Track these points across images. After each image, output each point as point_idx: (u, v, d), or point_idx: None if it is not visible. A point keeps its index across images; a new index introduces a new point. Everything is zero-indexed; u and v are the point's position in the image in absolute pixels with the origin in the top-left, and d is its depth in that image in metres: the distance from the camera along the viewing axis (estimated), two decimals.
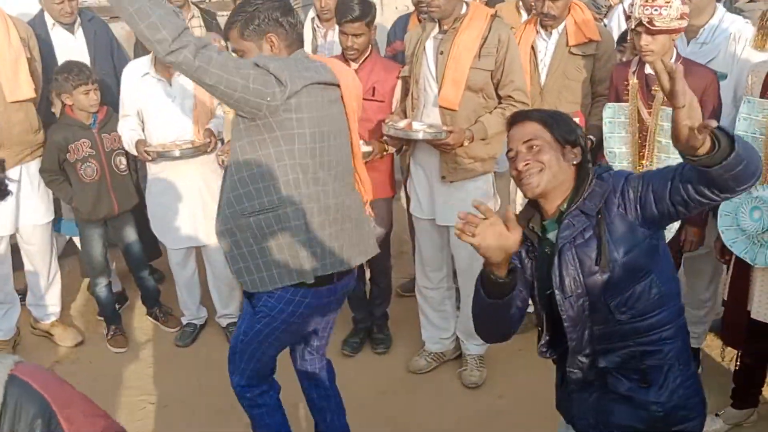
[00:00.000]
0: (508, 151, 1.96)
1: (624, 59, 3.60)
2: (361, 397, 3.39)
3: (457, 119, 3.17)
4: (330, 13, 4.04)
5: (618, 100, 3.10)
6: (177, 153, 3.52)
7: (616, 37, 3.92)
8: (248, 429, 2.83)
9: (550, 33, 3.53)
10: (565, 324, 1.89)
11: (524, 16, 4.11)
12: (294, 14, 2.42)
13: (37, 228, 3.83)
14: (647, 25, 2.81)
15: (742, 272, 2.89)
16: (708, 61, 3.15)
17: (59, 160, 3.71)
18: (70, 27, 4.03)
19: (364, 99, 3.36)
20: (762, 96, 2.73)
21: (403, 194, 4.10)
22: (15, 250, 3.93)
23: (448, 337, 3.67)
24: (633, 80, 3.00)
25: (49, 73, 3.80)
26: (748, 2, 4.14)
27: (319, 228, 2.37)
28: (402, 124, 3.21)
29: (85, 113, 3.71)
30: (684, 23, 2.86)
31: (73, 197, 3.76)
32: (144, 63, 3.65)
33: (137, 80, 3.62)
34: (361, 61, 3.46)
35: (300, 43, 2.45)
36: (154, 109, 3.61)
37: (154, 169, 3.73)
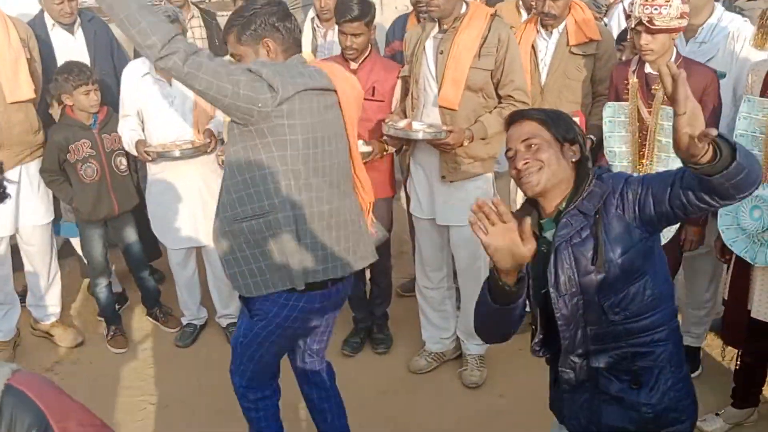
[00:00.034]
0: (507, 151, 1.96)
1: (623, 58, 3.60)
2: (362, 397, 3.39)
3: (456, 119, 3.17)
4: (330, 13, 4.04)
5: (618, 99, 3.10)
6: (177, 153, 3.52)
7: (615, 36, 3.93)
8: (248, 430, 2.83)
9: (551, 32, 3.53)
10: (559, 323, 1.89)
11: (524, 15, 4.11)
12: (291, 19, 2.42)
13: (37, 229, 3.83)
14: (647, 24, 2.81)
15: (743, 271, 2.89)
16: (707, 60, 3.14)
17: (59, 161, 3.71)
18: (69, 27, 4.03)
19: (363, 99, 3.36)
20: (762, 95, 2.73)
21: (403, 194, 4.10)
22: (15, 250, 3.93)
23: (448, 337, 3.67)
24: (633, 79, 3.00)
25: (49, 74, 3.81)
26: (748, 1, 4.14)
27: (311, 235, 2.35)
28: (402, 123, 3.20)
29: (86, 114, 3.71)
30: (684, 22, 2.86)
31: (74, 198, 3.76)
32: (144, 63, 3.64)
33: (137, 80, 3.62)
34: (360, 61, 3.46)
35: (297, 47, 2.45)
36: (154, 109, 3.61)
37: (154, 170, 3.73)
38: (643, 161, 3.01)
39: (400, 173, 3.78)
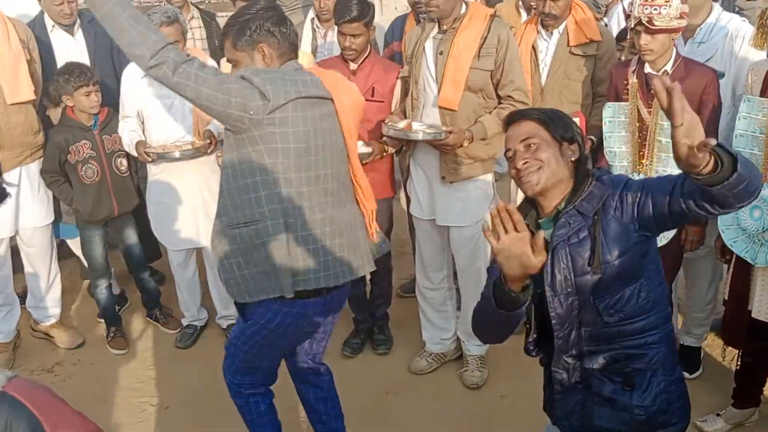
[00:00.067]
0: (507, 151, 1.96)
1: (622, 58, 3.60)
2: (362, 398, 3.39)
3: (456, 119, 3.17)
4: (329, 14, 4.04)
5: (618, 99, 3.10)
6: (177, 154, 3.52)
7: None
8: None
9: (551, 33, 3.53)
10: (553, 322, 1.90)
11: (524, 15, 4.11)
12: (287, 24, 2.42)
13: (37, 230, 3.83)
14: (647, 24, 2.81)
15: (743, 272, 2.89)
16: (705, 60, 3.14)
17: (60, 162, 3.71)
18: (69, 28, 4.03)
19: (364, 106, 3.36)
20: (762, 95, 2.73)
21: (402, 195, 4.10)
22: (15, 252, 3.93)
23: (448, 338, 3.66)
24: (633, 79, 3.00)
25: (49, 75, 3.81)
26: (747, 0, 4.14)
27: (302, 243, 2.34)
28: (401, 124, 3.20)
29: (86, 114, 3.70)
30: (684, 22, 2.86)
31: (74, 198, 3.77)
32: None
33: (137, 81, 3.62)
34: (360, 62, 3.46)
35: (293, 53, 2.45)
36: (154, 110, 3.61)
37: (154, 171, 3.73)
38: (643, 161, 3.01)
39: (400, 174, 3.78)
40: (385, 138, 3.34)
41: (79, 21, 4.05)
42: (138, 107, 3.65)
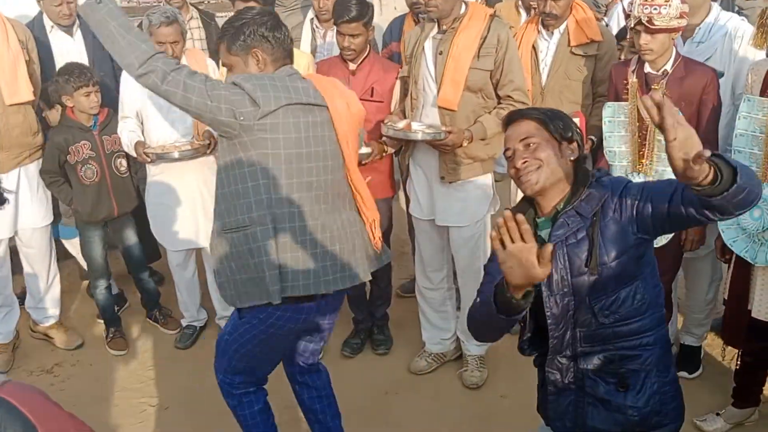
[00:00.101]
0: (506, 150, 1.97)
1: (621, 57, 3.60)
2: (362, 398, 3.39)
3: (456, 120, 3.16)
4: (328, 14, 4.03)
5: (617, 99, 3.09)
6: (176, 155, 3.51)
7: None
8: None
9: (552, 33, 3.53)
10: (549, 321, 1.90)
11: (523, 15, 4.11)
12: (282, 29, 2.42)
13: (36, 231, 3.82)
14: (647, 24, 2.81)
15: (743, 271, 2.89)
16: (704, 59, 3.14)
17: (60, 162, 3.71)
18: (68, 29, 4.02)
19: (362, 99, 3.35)
20: (762, 94, 2.72)
21: (402, 195, 4.10)
22: (14, 252, 3.92)
23: (448, 338, 3.66)
24: (632, 79, 3.00)
25: (48, 76, 3.80)
26: (747, 0, 4.14)
27: (291, 249, 2.33)
28: (401, 124, 3.20)
29: (86, 115, 3.70)
30: (683, 22, 2.86)
31: (73, 199, 3.76)
32: None
33: (136, 82, 3.61)
34: (359, 62, 3.45)
35: (287, 58, 2.45)
36: (153, 110, 3.60)
37: (153, 171, 3.73)
38: (643, 161, 3.00)
39: (399, 174, 3.77)
40: (384, 138, 3.34)
41: (78, 22, 4.04)
42: (137, 108, 3.65)
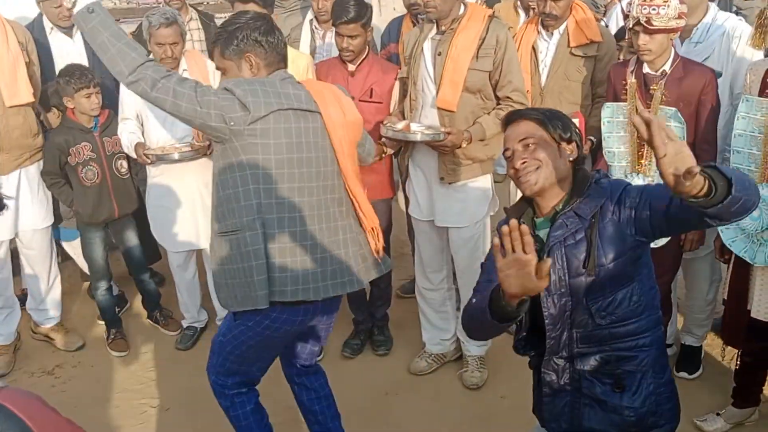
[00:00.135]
0: (505, 151, 1.97)
1: (620, 57, 3.60)
2: (362, 399, 3.39)
3: (455, 120, 3.16)
4: (327, 15, 4.04)
5: (616, 99, 3.10)
6: (176, 156, 3.52)
7: None
8: None
9: (552, 33, 3.53)
10: (546, 322, 1.91)
11: (522, 16, 4.12)
12: (275, 34, 2.42)
13: (37, 232, 3.83)
14: (645, 24, 2.82)
15: (742, 271, 2.89)
16: (702, 60, 3.14)
17: (60, 163, 3.71)
18: (68, 31, 4.03)
19: (361, 100, 3.36)
20: (760, 94, 2.73)
21: (401, 195, 4.10)
22: (14, 254, 3.93)
23: (448, 339, 3.67)
24: (631, 80, 3.00)
25: (48, 78, 3.80)
26: (746, 0, 4.14)
27: (280, 255, 2.33)
28: (400, 125, 3.20)
29: (87, 116, 3.71)
30: (682, 23, 2.86)
31: (74, 200, 3.77)
32: None
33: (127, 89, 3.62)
34: (358, 63, 3.46)
35: (281, 62, 2.45)
36: (152, 112, 3.61)
37: (153, 172, 3.73)
38: (642, 161, 3.01)
39: (399, 175, 3.77)
40: (383, 139, 3.33)
41: None
42: (137, 109, 3.65)
